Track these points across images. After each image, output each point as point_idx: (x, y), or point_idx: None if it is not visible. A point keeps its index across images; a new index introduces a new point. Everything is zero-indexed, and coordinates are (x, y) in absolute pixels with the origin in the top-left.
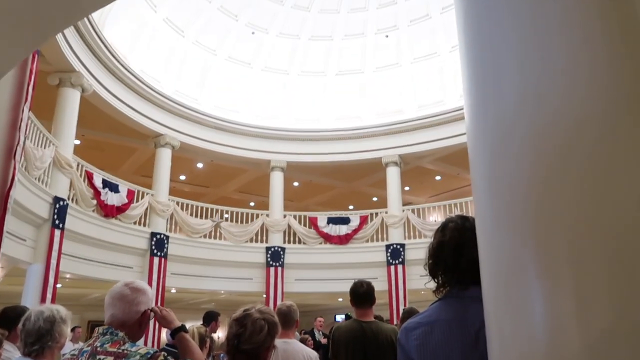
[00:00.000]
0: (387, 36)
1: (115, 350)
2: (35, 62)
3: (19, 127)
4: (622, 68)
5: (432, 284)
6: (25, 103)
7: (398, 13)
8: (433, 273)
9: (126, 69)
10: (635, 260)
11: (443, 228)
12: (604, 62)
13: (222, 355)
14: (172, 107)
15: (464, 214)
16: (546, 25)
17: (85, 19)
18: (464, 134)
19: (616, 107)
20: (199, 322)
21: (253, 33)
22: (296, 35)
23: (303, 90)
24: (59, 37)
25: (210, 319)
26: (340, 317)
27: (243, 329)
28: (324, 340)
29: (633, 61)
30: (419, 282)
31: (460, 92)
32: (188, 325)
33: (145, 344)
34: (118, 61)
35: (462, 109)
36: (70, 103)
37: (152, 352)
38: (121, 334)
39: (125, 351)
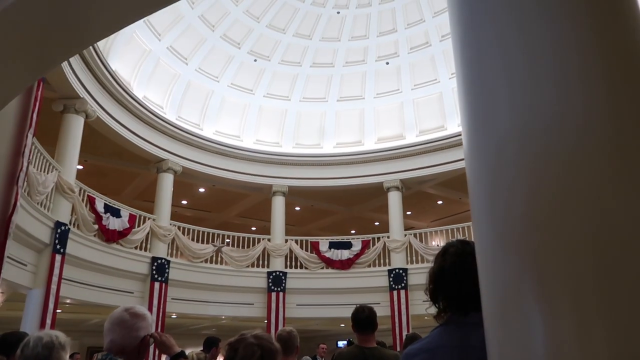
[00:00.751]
0: (387, 63)
1: None
2: (41, 89)
3: (23, 153)
4: (615, 102)
5: (433, 309)
6: (29, 129)
7: (398, 40)
8: (434, 298)
9: (130, 95)
10: (634, 289)
11: (444, 253)
12: (596, 95)
13: None
14: (174, 132)
15: (465, 239)
16: (538, 59)
17: (90, 47)
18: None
19: (608, 138)
20: (200, 348)
21: (255, 60)
22: (298, 63)
23: (305, 116)
24: (64, 64)
25: (211, 345)
26: (342, 343)
27: (234, 354)
28: None
29: (629, 95)
30: (422, 307)
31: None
32: (188, 352)
33: None
34: (122, 88)
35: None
36: (74, 129)
37: None
38: None
39: None
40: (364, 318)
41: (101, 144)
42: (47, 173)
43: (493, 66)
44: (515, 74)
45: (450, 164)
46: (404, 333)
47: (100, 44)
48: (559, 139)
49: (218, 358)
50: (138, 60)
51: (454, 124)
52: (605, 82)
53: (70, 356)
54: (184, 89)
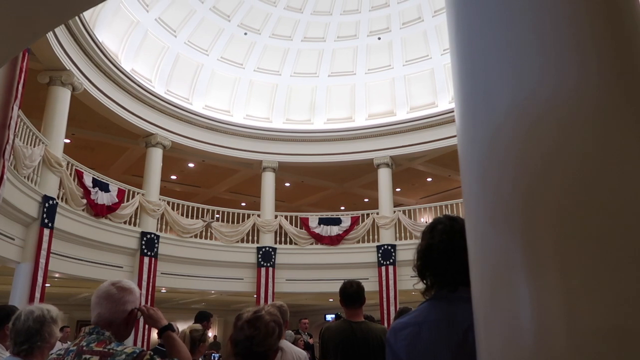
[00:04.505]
0: (379, 38)
1: (101, 349)
2: (26, 61)
3: (9, 126)
4: (608, 75)
5: (421, 285)
6: (15, 101)
7: (391, 15)
8: (422, 275)
9: (117, 68)
10: (620, 262)
11: (432, 230)
12: (590, 71)
13: (213, 355)
14: (163, 106)
15: (453, 215)
16: (536, 32)
17: (76, 17)
18: (455, 136)
19: (602, 112)
20: (190, 322)
21: (245, 34)
22: (288, 37)
23: (295, 91)
24: (50, 35)
25: (202, 319)
26: (330, 317)
27: (257, 332)
28: (311, 341)
29: (620, 68)
30: (410, 282)
31: (452, 94)
32: (182, 327)
33: (135, 344)
34: (109, 60)
35: (453, 111)
36: (61, 102)
37: (138, 351)
38: (107, 333)
39: (112, 350)
40: (351, 293)
41: (89, 118)
42: (34, 146)
43: (489, 41)
44: (511, 49)
45: (440, 141)
46: (392, 308)
47: (87, 14)
48: (550, 115)
49: (209, 332)
50: (125, 32)
51: (444, 101)
52: (599, 58)
53: (60, 329)
54: (172, 62)
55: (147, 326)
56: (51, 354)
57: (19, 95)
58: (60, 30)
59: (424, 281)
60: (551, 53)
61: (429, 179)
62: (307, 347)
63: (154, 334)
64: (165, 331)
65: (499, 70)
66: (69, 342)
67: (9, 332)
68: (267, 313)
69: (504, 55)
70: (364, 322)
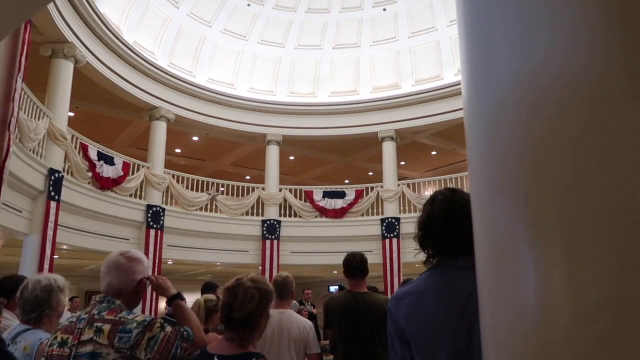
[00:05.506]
0: (384, 9)
1: (112, 317)
2: (28, 32)
3: (13, 98)
4: (616, 53)
5: (422, 255)
6: (18, 73)
7: None
8: (423, 244)
9: (120, 40)
10: (623, 233)
11: (432, 200)
12: (599, 47)
13: (220, 325)
14: (166, 79)
15: (454, 187)
16: (546, 4)
17: None
18: (461, 109)
19: (608, 88)
20: (197, 293)
21: (249, 5)
22: (292, 8)
23: (299, 64)
24: (51, 7)
25: (208, 290)
26: (333, 288)
27: (234, 298)
28: (314, 311)
29: (629, 34)
30: (413, 254)
31: (458, 67)
32: (188, 298)
33: (143, 314)
34: (111, 32)
35: (459, 84)
36: (64, 74)
37: (148, 319)
38: (118, 302)
39: (122, 318)
40: (355, 264)
41: (92, 91)
42: (38, 120)
43: (497, 11)
44: (520, 21)
45: (445, 114)
46: (395, 280)
47: None
48: (557, 89)
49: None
50: (127, 4)
51: (450, 74)
52: (609, 35)
53: (70, 300)
54: (175, 35)
55: (154, 296)
56: (62, 323)
57: (22, 68)
58: (62, 2)
59: (425, 251)
60: (560, 27)
61: (434, 153)
62: (311, 317)
63: (162, 304)
64: (175, 300)
65: (506, 41)
66: (78, 312)
67: (17, 301)
68: (250, 280)
69: (512, 26)
70: (367, 293)
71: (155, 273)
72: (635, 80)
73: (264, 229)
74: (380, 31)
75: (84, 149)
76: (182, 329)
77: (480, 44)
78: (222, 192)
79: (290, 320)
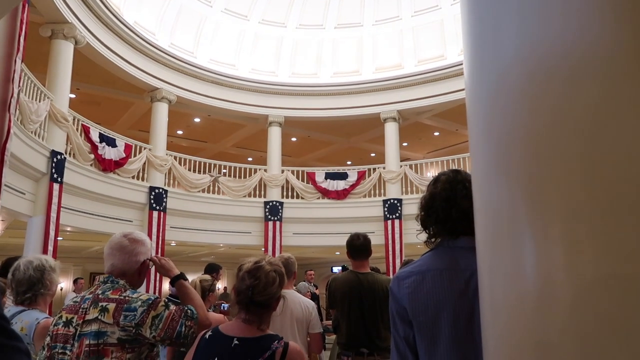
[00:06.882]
0: None
1: (117, 297)
2: (26, 12)
3: (12, 79)
4: (624, 29)
5: (424, 236)
6: (17, 54)
7: None
8: (425, 225)
9: (120, 20)
10: (623, 212)
11: (435, 181)
12: (605, 23)
13: (223, 305)
14: (167, 60)
15: (458, 169)
16: None
17: None
18: (464, 89)
19: (614, 59)
20: (199, 274)
21: None
22: None
23: (301, 44)
24: None
25: (212, 271)
26: (336, 269)
27: (257, 282)
28: (317, 291)
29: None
30: (415, 235)
31: (461, 47)
32: (191, 278)
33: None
34: (111, 12)
35: (462, 64)
36: (64, 55)
37: (153, 297)
38: (122, 281)
39: (127, 297)
40: (358, 245)
41: (93, 72)
42: (39, 101)
43: None
44: None
45: (448, 94)
46: (397, 261)
47: None
48: (560, 66)
49: (219, 284)
50: None
51: (454, 53)
52: (616, 10)
53: (74, 282)
54: (176, 14)
55: (158, 278)
56: (66, 303)
57: (21, 48)
58: None
59: (427, 231)
60: (564, 1)
61: (436, 133)
62: (314, 297)
63: (166, 285)
64: (178, 280)
65: (509, 16)
66: (83, 292)
67: (10, 283)
68: (268, 263)
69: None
70: (370, 273)
71: (159, 254)
72: None
73: (267, 210)
74: (383, 10)
75: (85, 130)
76: (186, 308)
77: (481, 19)
78: (225, 174)
79: (293, 301)
